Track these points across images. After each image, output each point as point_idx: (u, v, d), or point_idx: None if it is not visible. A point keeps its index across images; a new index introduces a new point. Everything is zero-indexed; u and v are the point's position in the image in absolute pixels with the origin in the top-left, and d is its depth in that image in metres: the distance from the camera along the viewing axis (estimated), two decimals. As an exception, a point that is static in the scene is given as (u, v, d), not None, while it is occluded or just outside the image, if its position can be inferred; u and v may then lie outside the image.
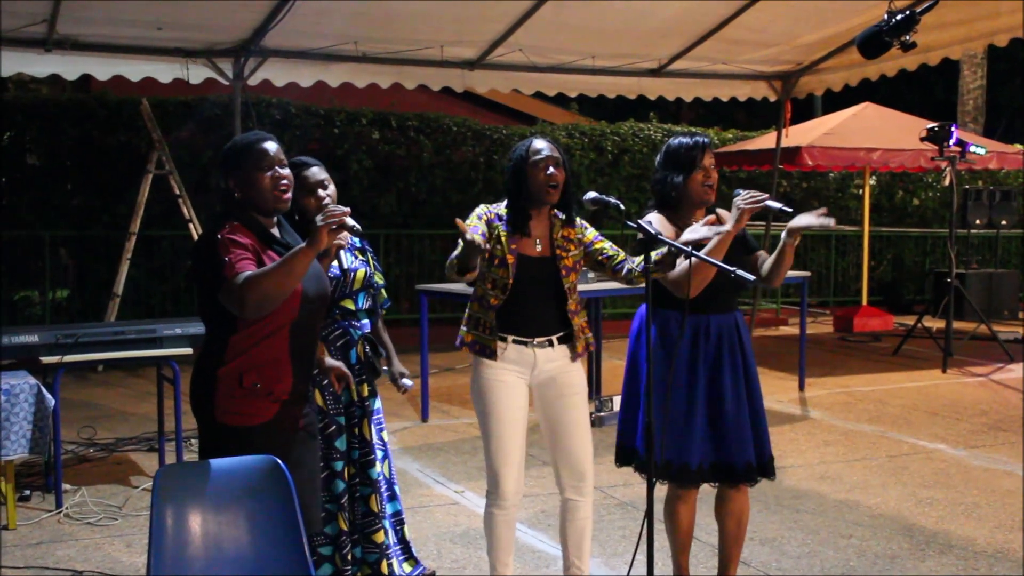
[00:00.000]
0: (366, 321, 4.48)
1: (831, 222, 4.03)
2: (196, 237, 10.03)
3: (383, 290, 4.63)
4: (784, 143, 12.00)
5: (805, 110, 17.59)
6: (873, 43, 3.48)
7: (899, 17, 3.33)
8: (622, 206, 3.90)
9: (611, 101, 11.32)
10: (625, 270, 4.20)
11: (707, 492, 4.51)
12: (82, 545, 5.41)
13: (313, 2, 7.98)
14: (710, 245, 4.00)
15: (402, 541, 4.65)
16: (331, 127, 12.81)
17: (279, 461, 3.28)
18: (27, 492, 6.19)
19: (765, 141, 13.52)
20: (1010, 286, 15.15)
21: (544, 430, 4.31)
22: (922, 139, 10.87)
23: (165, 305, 11.85)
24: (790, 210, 4.09)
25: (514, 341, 4.16)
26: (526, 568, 5.09)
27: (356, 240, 4.52)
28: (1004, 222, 14.91)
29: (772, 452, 4.33)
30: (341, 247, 3.46)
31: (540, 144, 4.15)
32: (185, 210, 10.24)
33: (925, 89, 24.82)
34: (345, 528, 4.36)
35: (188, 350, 6.35)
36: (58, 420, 5.85)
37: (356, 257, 4.46)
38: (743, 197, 4.05)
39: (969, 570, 5.07)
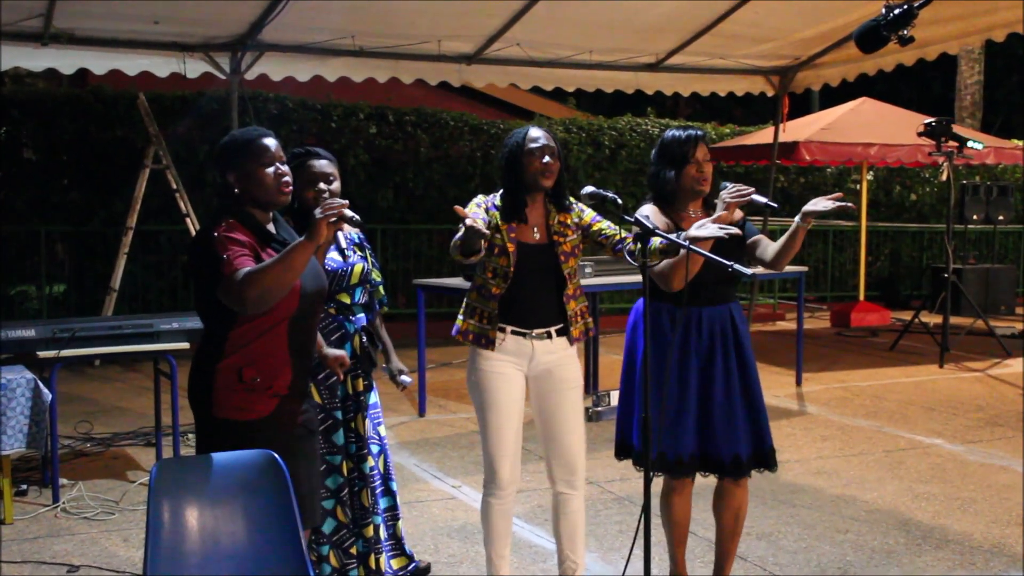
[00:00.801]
0: (362, 315, 4.47)
1: (848, 206, 4.03)
2: (193, 232, 10.04)
3: (380, 287, 4.63)
4: (781, 138, 12.01)
5: (802, 105, 17.59)
6: (871, 38, 3.47)
7: (897, 12, 3.32)
8: (619, 200, 3.89)
9: (609, 96, 11.34)
10: (627, 251, 4.19)
11: (705, 487, 4.52)
12: (79, 540, 5.41)
13: (310, -3, 7.98)
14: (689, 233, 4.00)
15: (394, 537, 4.64)
16: (328, 121, 12.80)
17: (276, 456, 3.28)
18: (24, 487, 6.19)
19: (762, 136, 13.52)
20: (1007, 281, 15.16)
21: (537, 423, 4.32)
22: (919, 134, 10.87)
23: (162, 300, 11.85)
24: (775, 205, 4.10)
25: (512, 332, 4.16)
26: (523, 562, 5.09)
27: (356, 236, 4.51)
28: (1001, 217, 14.92)
29: (772, 444, 4.33)
30: (339, 228, 3.43)
31: (536, 132, 4.16)
32: (182, 205, 10.23)
33: (922, 84, 24.81)
34: (345, 522, 4.36)
35: (185, 345, 6.34)
36: (55, 415, 5.84)
37: (355, 252, 4.46)
38: (729, 191, 4.07)
39: (966, 565, 5.07)
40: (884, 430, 7.88)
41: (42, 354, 5.96)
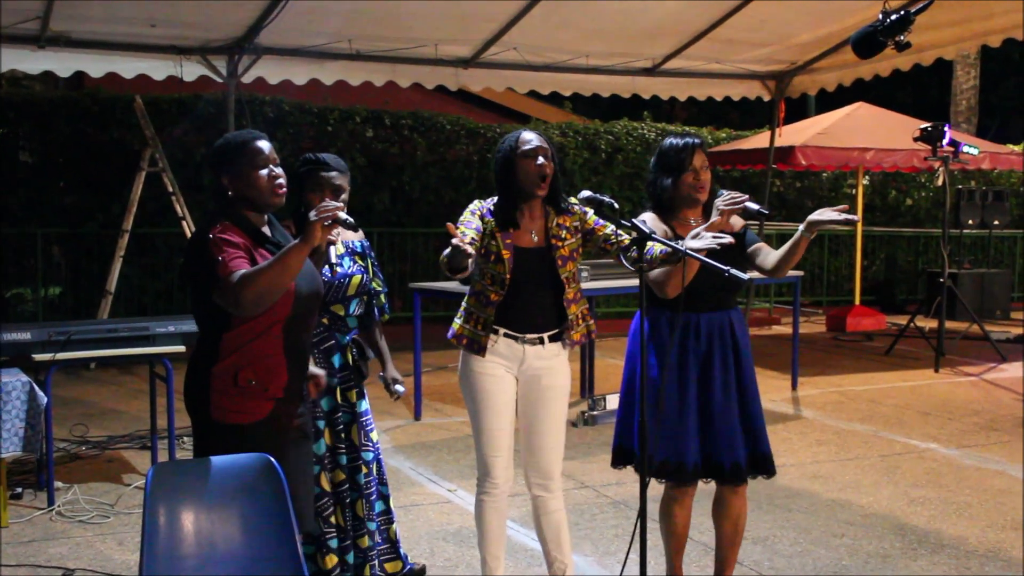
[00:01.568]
0: (355, 327, 4.47)
1: (854, 218, 4.03)
2: (189, 235, 10.03)
3: (381, 296, 4.61)
4: (778, 143, 12.02)
5: (799, 110, 17.60)
6: (867, 43, 3.49)
7: (894, 17, 3.34)
8: (616, 205, 3.89)
9: (605, 100, 11.33)
10: (632, 256, 4.17)
11: (703, 492, 4.51)
12: (74, 543, 5.40)
13: (307, 0, 7.97)
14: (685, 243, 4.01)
15: (387, 540, 4.63)
16: (325, 125, 12.80)
17: (272, 459, 3.28)
18: (19, 490, 6.17)
19: (759, 140, 13.53)
20: (1002, 286, 15.19)
21: (521, 425, 4.32)
22: (915, 139, 10.90)
23: (158, 303, 11.84)
24: (767, 212, 4.10)
25: (505, 335, 4.15)
26: (518, 566, 5.09)
27: (358, 244, 4.50)
28: (996, 222, 14.95)
29: (769, 450, 4.33)
30: (331, 243, 3.45)
31: (529, 135, 4.14)
32: (178, 208, 10.23)
33: (918, 89, 24.88)
34: (318, 533, 4.33)
35: (181, 348, 6.33)
36: (50, 418, 5.83)
37: (355, 262, 4.44)
38: (724, 198, 4.07)
39: (961, 569, 5.08)
40: (880, 434, 7.89)
41: (38, 357, 5.95)
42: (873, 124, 13.22)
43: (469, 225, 4.07)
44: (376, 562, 4.53)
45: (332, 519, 4.38)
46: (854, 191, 14.85)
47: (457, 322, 4.27)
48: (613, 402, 7.62)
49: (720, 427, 4.22)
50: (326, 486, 4.37)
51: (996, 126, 24.91)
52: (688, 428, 4.21)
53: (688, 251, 3.78)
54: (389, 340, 4.81)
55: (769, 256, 4.29)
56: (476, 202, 4.25)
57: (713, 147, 14.44)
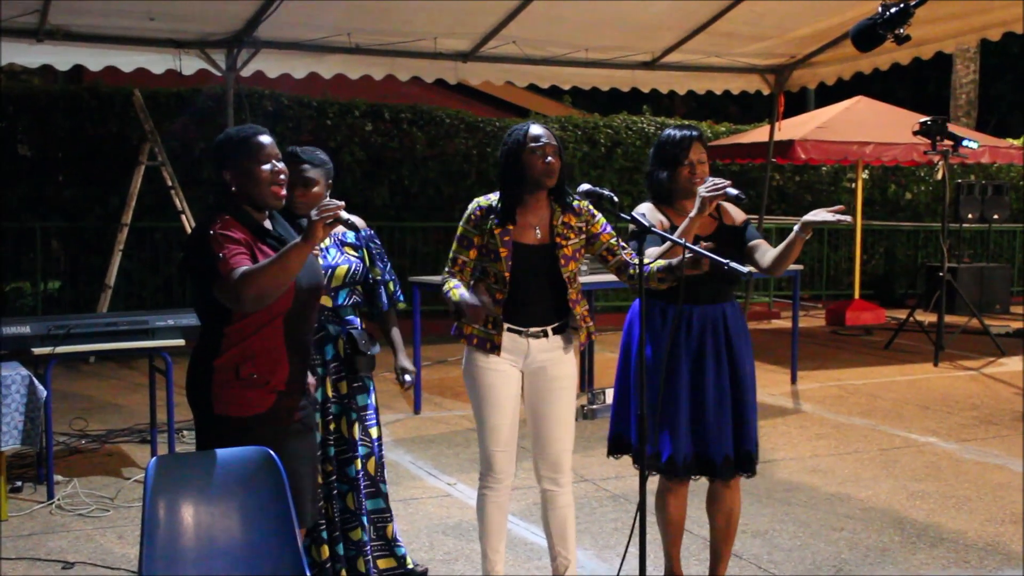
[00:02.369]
0: (352, 317, 4.45)
1: (847, 219, 4.03)
2: (189, 229, 10.04)
3: (390, 283, 4.59)
4: (777, 137, 12.01)
5: (798, 104, 17.60)
6: (867, 36, 3.47)
7: (893, 10, 3.33)
8: (615, 198, 3.89)
9: (604, 94, 11.33)
10: (629, 274, 4.20)
11: (700, 485, 4.52)
12: (74, 536, 5.40)
13: (306, -6, 7.98)
14: (677, 231, 4.02)
15: (382, 538, 4.62)
16: (324, 119, 12.79)
17: (272, 453, 3.28)
18: (19, 483, 6.18)
19: (758, 134, 13.53)
20: (1002, 280, 15.19)
21: (528, 419, 4.31)
22: (915, 133, 10.89)
23: (157, 296, 11.84)
24: (744, 198, 4.09)
25: (508, 329, 4.15)
26: (518, 560, 5.10)
27: (350, 236, 4.48)
28: (996, 216, 14.95)
29: (754, 448, 4.31)
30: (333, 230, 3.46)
31: (538, 130, 4.13)
32: (177, 201, 10.22)
33: (918, 83, 24.86)
34: (312, 525, 4.34)
35: (181, 341, 6.33)
36: (50, 411, 5.84)
37: (343, 253, 4.41)
38: (706, 186, 4.07)
39: (960, 563, 5.08)
40: (879, 428, 7.89)
41: (37, 351, 5.95)
42: (873, 118, 13.21)
43: (461, 244, 4.18)
44: (370, 557, 4.52)
45: (323, 511, 4.38)
46: (853, 185, 14.84)
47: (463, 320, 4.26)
48: (612, 395, 7.63)
49: (711, 422, 4.21)
50: (318, 478, 4.37)
51: (995, 120, 24.90)
52: (679, 422, 4.21)
53: (688, 244, 3.79)
54: (389, 334, 4.79)
55: (767, 254, 4.30)
56: (475, 202, 4.23)
57: (712, 141, 14.43)
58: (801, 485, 6.36)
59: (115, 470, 6.65)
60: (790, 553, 5.19)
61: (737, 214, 4.43)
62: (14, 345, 5.93)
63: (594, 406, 8.08)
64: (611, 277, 8.26)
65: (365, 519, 4.48)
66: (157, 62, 9.02)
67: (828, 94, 13.77)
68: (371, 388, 4.52)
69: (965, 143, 10.83)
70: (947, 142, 10.67)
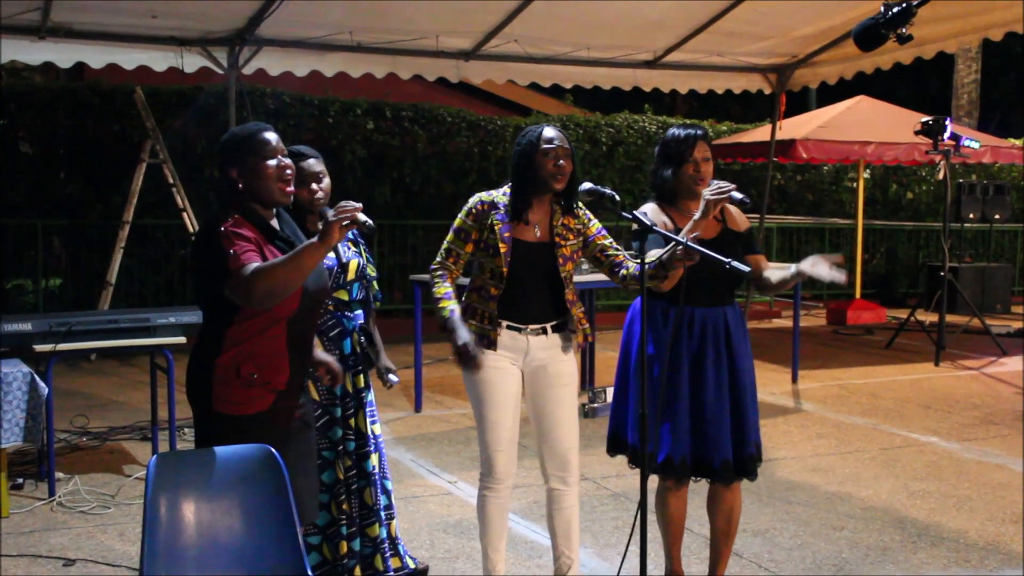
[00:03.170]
0: (360, 312, 4.47)
1: (842, 278, 4.03)
2: (190, 226, 10.05)
3: (375, 283, 4.62)
4: (778, 136, 11.99)
5: (800, 103, 17.61)
6: (869, 36, 3.48)
7: (896, 10, 3.33)
8: (617, 197, 3.90)
9: (606, 93, 11.31)
10: (620, 275, 4.21)
11: (700, 484, 4.52)
12: (75, 533, 5.41)
13: (308, -8, 7.97)
14: (680, 234, 4.02)
15: (389, 536, 4.63)
16: (325, 117, 12.78)
17: (273, 450, 3.28)
18: (20, 480, 6.19)
19: (760, 134, 13.52)
20: (1003, 280, 15.19)
21: (532, 418, 4.32)
22: (916, 133, 10.89)
23: (158, 294, 11.84)
24: (748, 201, 4.12)
25: (508, 327, 4.16)
26: (519, 558, 5.10)
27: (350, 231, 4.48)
28: (997, 216, 14.95)
29: (756, 452, 4.31)
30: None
31: (551, 133, 4.15)
32: (179, 199, 10.22)
33: (919, 83, 24.85)
34: (337, 516, 4.36)
35: (182, 339, 6.34)
36: (51, 408, 5.84)
37: (349, 248, 4.45)
38: (711, 189, 4.08)
39: (960, 562, 5.09)
40: (880, 428, 7.89)
41: (38, 348, 5.95)
42: (874, 118, 13.21)
43: (458, 236, 4.21)
44: (388, 554, 4.53)
45: (344, 506, 4.39)
46: (855, 185, 14.84)
47: None
48: (613, 395, 7.63)
49: (710, 425, 4.21)
50: (340, 474, 4.37)
51: (997, 120, 24.88)
52: (678, 423, 4.20)
53: (691, 244, 3.79)
54: (390, 332, 4.82)
55: (764, 272, 4.33)
56: (476, 197, 4.26)
57: (714, 140, 14.39)
58: (802, 484, 6.37)
59: (116, 467, 6.65)
60: (791, 552, 5.19)
61: (742, 220, 4.44)
62: (15, 342, 5.94)
63: (595, 405, 8.08)
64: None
65: (383, 514, 4.49)
66: (159, 60, 9.02)
67: (830, 93, 13.76)
68: (371, 384, 4.54)
69: (966, 143, 10.83)
70: (949, 142, 10.67)
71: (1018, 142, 15.68)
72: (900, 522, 5.66)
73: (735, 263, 3.64)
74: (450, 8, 8.72)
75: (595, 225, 4.30)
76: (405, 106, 13.36)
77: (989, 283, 14.85)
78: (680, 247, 3.80)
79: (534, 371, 4.24)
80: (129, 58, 8.96)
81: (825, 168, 16.11)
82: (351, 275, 4.38)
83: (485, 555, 4.31)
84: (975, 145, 11.05)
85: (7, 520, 5.59)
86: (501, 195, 4.22)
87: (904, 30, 3.44)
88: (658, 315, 4.27)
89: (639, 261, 3.78)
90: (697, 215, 4.07)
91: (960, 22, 9.00)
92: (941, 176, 11.09)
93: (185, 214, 10.21)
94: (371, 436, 4.47)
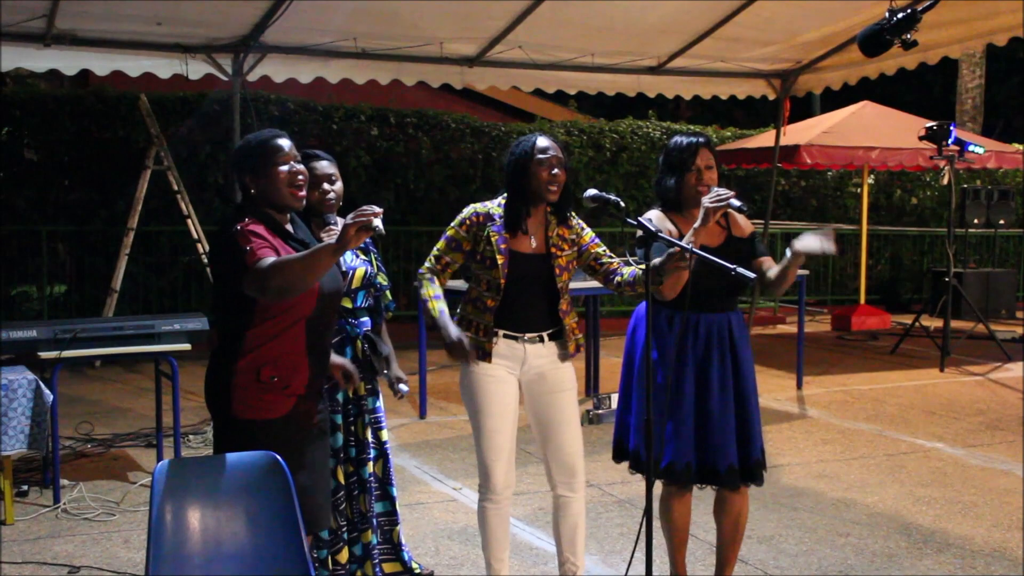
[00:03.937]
0: (366, 319, 4.47)
1: (833, 249, 4.00)
2: (194, 233, 10.06)
3: (387, 292, 4.62)
4: (783, 141, 12.00)
5: (803, 108, 17.60)
6: (874, 41, 3.48)
7: (900, 15, 3.34)
8: (622, 204, 3.90)
9: (610, 99, 11.32)
10: (615, 282, 4.22)
11: (706, 490, 4.51)
12: (80, 540, 5.41)
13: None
14: (684, 240, 4.02)
15: (389, 542, 4.62)
16: (330, 123, 12.80)
17: (279, 458, 3.28)
18: (25, 487, 6.19)
19: (764, 139, 13.51)
20: (1008, 285, 15.16)
21: (534, 427, 4.32)
22: (921, 138, 10.87)
23: (163, 301, 11.85)
24: (745, 208, 4.12)
25: (504, 336, 4.16)
26: (524, 565, 5.09)
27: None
28: (1002, 221, 14.92)
29: (761, 457, 4.31)
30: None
31: (545, 142, 4.15)
32: (183, 206, 10.23)
33: (923, 88, 24.83)
34: (334, 527, 4.35)
35: (187, 346, 6.35)
36: (56, 415, 5.84)
37: (357, 255, 4.45)
38: (710, 197, 4.08)
39: (967, 569, 5.07)
40: (885, 434, 7.88)
41: (43, 355, 5.96)
42: (878, 123, 13.20)
43: (449, 245, 4.21)
44: (377, 560, 4.53)
45: (346, 513, 4.39)
46: (859, 190, 14.83)
47: None
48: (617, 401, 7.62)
49: (715, 431, 4.21)
50: (341, 479, 4.38)
51: (1001, 125, 24.86)
52: (683, 430, 4.20)
53: (693, 249, 3.79)
54: (394, 338, 4.80)
55: (770, 271, 4.31)
56: (471, 208, 4.25)
57: (718, 146, 14.42)
58: (807, 490, 6.35)
59: (121, 474, 6.66)
60: (796, 559, 5.18)
61: (746, 225, 4.44)
62: (20, 349, 5.94)
63: (599, 411, 8.08)
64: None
65: (375, 521, 4.50)
66: (163, 67, 9.02)
67: (833, 99, 13.78)
68: (379, 391, 4.54)
69: (971, 148, 10.82)
70: (953, 147, 10.66)
71: (1022, 147, 15.67)
72: (906, 528, 5.65)
73: (741, 269, 3.64)
74: (454, 14, 8.73)
75: (588, 234, 4.30)
76: (409, 112, 13.38)
77: (994, 288, 14.83)
78: (678, 250, 3.80)
79: (532, 379, 4.23)
80: (134, 65, 8.97)
81: (829, 173, 16.11)
82: (356, 283, 4.38)
83: (488, 564, 4.31)
84: (980, 150, 11.04)
85: (12, 527, 5.59)
86: (496, 206, 4.21)
87: (909, 36, 3.45)
88: (663, 321, 4.27)
89: (636, 267, 3.78)
90: (697, 223, 4.07)
91: (964, 27, 8.99)
92: (945, 181, 11.08)
93: (189, 220, 10.22)
94: (371, 443, 4.46)
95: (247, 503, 3.26)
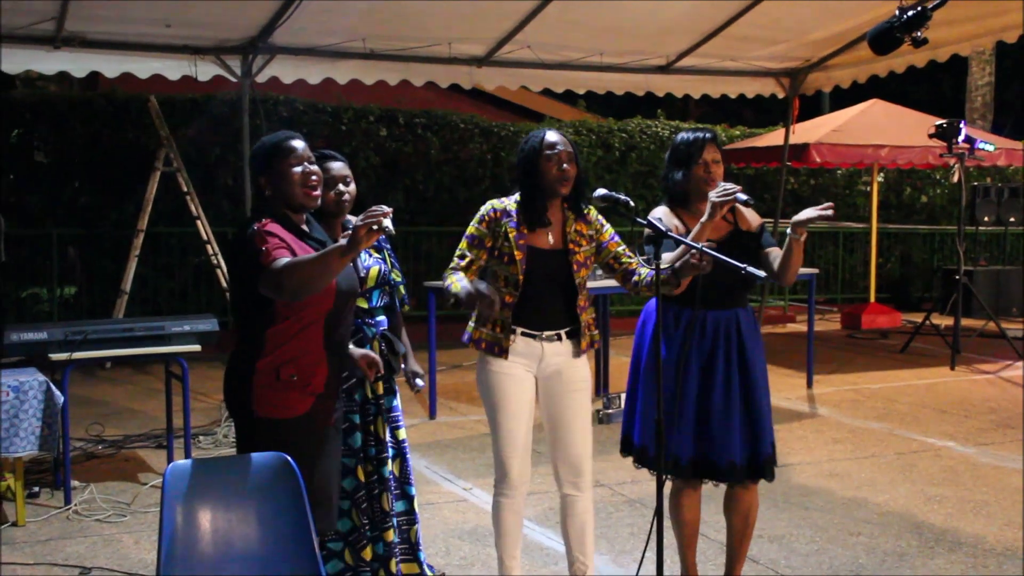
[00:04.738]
0: (382, 318, 4.47)
1: (830, 212, 4.01)
2: (204, 234, 10.06)
3: (401, 287, 4.62)
4: (792, 140, 11.96)
5: (813, 107, 17.55)
6: (884, 40, 3.48)
7: (911, 14, 3.33)
8: (631, 203, 3.90)
9: (619, 98, 11.30)
10: (633, 281, 4.22)
11: (717, 489, 4.51)
12: (91, 542, 5.42)
13: (321, 0, 7.97)
14: (689, 237, 4.02)
15: (407, 542, 4.63)
16: (338, 124, 12.81)
17: (289, 459, 3.29)
18: (36, 489, 6.20)
19: (773, 138, 13.49)
20: (1018, 283, 15.10)
21: (545, 424, 4.32)
22: (930, 136, 10.84)
23: (173, 302, 11.88)
24: (752, 202, 4.12)
25: (523, 334, 4.16)
26: (534, 565, 5.09)
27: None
28: (1012, 219, 14.88)
29: (772, 453, 4.31)
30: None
31: (554, 137, 4.15)
32: (193, 207, 10.24)
33: (933, 86, 24.76)
34: (358, 524, 4.36)
35: (196, 347, 6.36)
36: (67, 417, 5.86)
37: (371, 255, 4.45)
38: (716, 192, 4.08)
39: (978, 568, 5.06)
40: (896, 432, 7.86)
41: (54, 356, 5.98)
42: (888, 121, 13.17)
43: (472, 243, 4.19)
44: (399, 559, 4.54)
45: (367, 511, 4.40)
46: (869, 188, 14.80)
47: (472, 325, 4.27)
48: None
49: (717, 427, 4.22)
50: (362, 478, 4.38)
51: (1011, 123, 24.76)
52: (685, 425, 4.20)
53: (703, 248, 3.79)
54: (403, 339, 4.80)
55: (776, 261, 4.31)
56: (489, 204, 4.26)
57: (727, 145, 14.40)
58: (818, 489, 6.34)
59: (132, 475, 6.67)
60: (807, 558, 5.17)
61: (753, 218, 4.44)
62: (31, 351, 5.96)
63: (610, 411, 8.07)
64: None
65: (395, 520, 4.50)
66: (173, 68, 9.04)
67: (843, 97, 13.74)
68: (396, 390, 4.54)
69: (981, 146, 10.79)
70: (963, 145, 10.63)
71: (1033, 145, 15.61)
72: (917, 527, 5.64)
73: (751, 268, 3.64)
74: (463, 15, 8.73)
75: (608, 231, 4.30)
76: (418, 112, 13.39)
77: (1004, 286, 14.78)
78: (695, 252, 3.80)
79: (548, 377, 4.24)
80: (143, 67, 8.98)
81: (839, 172, 16.08)
82: (371, 282, 4.39)
83: (501, 561, 4.31)
84: (990, 148, 11.01)
85: (23, 529, 5.60)
86: (513, 203, 4.22)
87: (919, 33, 3.44)
88: (670, 317, 4.28)
89: (652, 268, 3.78)
90: (704, 217, 4.08)
91: (974, 25, 8.96)
92: (956, 179, 11.06)
93: (199, 222, 10.23)
94: (389, 442, 4.47)
95: (258, 504, 3.27)
